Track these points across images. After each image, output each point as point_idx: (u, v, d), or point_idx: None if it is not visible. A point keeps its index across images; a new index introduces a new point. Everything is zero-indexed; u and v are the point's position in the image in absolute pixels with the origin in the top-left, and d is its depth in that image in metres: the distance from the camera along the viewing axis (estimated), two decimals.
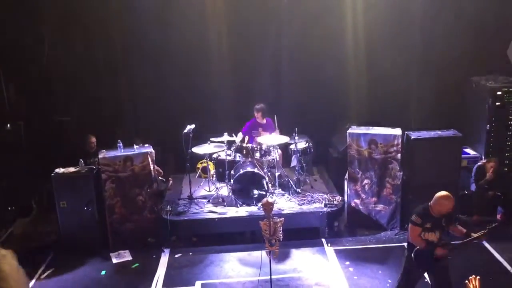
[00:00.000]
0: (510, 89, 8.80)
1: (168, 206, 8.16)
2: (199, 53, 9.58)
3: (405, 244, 5.92)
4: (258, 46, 9.70)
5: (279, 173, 8.63)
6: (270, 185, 8.32)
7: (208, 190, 8.86)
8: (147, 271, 7.30)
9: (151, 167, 7.99)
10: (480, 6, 9.32)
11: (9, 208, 9.00)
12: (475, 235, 5.40)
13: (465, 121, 9.33)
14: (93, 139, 8.93)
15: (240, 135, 8.86)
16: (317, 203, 8.21)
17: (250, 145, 8.56)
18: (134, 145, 8.07)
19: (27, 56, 9.33)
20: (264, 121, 9.02)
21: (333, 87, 9.84)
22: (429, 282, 5.86)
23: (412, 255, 5.54)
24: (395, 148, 7.97)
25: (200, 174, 9.21)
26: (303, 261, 7.45)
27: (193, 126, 8.38)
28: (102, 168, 7.78)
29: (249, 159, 8.42)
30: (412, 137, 8.04)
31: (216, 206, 8.29)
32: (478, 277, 4.59)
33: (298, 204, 8.22)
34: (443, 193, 5.43)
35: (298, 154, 8.64)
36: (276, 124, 8.87)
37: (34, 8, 9.21)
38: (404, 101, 9.85)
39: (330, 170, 9.63)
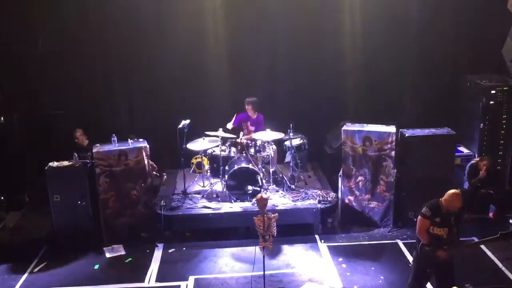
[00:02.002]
0: (504, 88, 8.83)
1: (162, 201, 8.16)
2: (194, 49, 9.55)
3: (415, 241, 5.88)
4: (254, 42, 9.68)
5: (273, 169, 8.64)
6: (264, 181, 8.34)
7: (202, 185, 8.86)
8: (141, 266, 7.30)
9: (146, 162, 7.98)
10: (476, 5, 9.35)
11: (2, 201, 8.95)
12: (487, 239, 5.47)
13: (459, 120, 9.37)
14: (79, 133, 8.78)
15: (230, 124, 8.82)
16: (311, 200, 8.24)
17: (244, 141, 8.56)
18: (129, 139, 8.05)
19: (22, 49, 9.26)
20: (255, 116, 9.00)
21: (329, 84, 9.85)
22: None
23: (418, 250, 5.60)
24: (389, 145, 8.00)
25: (194, 170, 9.20)
26: (297, 257, 7.47)
27: (188, 121, 8.38)
28: (96, 162, 7.76)
29: (244, 155, 8.42)
30: (407, 135, 8.08)
31: (210, 202, 8.29)
32: None
33: (292, 200, 8.23)
34: (454, 190, 5.52)
35: (293, 151, 8.66)
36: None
37: (28, 2, 9.13)
38: (399, 98, 9.88)
39: (324, 166, 9.65)
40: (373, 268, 7.11)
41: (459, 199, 5.45)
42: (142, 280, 6.94)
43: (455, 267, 5.67)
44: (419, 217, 5.57)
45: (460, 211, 5.53)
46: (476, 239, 7.70)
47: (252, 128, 8.96)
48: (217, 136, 8.39)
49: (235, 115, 8.86)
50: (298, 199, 8.26)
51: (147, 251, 7.70)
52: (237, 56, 9.64)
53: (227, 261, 7.38)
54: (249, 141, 8.58)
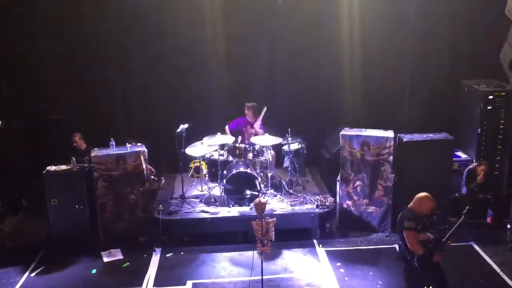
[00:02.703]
0: (502, 93, 8.86)
1: (160, 206, 8.14)
2: (193, 52, 9.55)
3: (397, 250, 5.83)
4: (252, 46, 9.70)
5: (271, 174, 8.64)
6: (262, 185, 8.33)
7: (200, 189, 8.86)
8: (138, 270, 7.28)
9: (144, 166, 7.97)
10: (473, 10, 9.39)
11: None
12: (457, 223, 5.43)
13: (457, 125, 9.40)
14: (77, 137, 8.73)
15: (228, 134, 8.84)
16: (309, 204, 8.24)
17: (243, 145, 8.57)
18: (127, 143, 8.05)
19: (21, 53, 9.26)
20: (254, 120, 9.05)
21: (327, 89, 9.87)
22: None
23: (416, 265, 5.52)
24: (387, 150, 8.01)
25: (192, 174, 9.19)
26: (295, 261, 7.46)
27: (186, 125, 8.39)
28: (94, 166, 7.75)
29: (242, 159, 8.42)
30: (404, 140, 8.10)
31: (208, 206, 8.29)
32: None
33: (290, 205, 8.24)
34: (424, 194, 5.53)
35: (291, 155, 8.66)
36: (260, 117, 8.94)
37: (27, 5, 9.14)
38: (396, 103, 9.90)
39: (322, 171, 9.66)
40: (371, 273, 7.10)
41: (431, 200, 5.47)
42: (140, 285, 6.91)
43: (450, 274, 5.67)
44: (406, 232, 5.46)
45: (431, 211, 5.53)
46: (474, 244, 7.74)
47: (252, 131, 8.99)
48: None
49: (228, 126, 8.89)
50: (296, 204, 8.26)
51: (145, 255, 7.68)
52: (236, 61, 9.65)
53: (225, 266, 7.37)
54: (247, 146, 8.58)
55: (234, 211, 8.09)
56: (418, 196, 5.53)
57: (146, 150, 8.03)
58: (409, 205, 5.59)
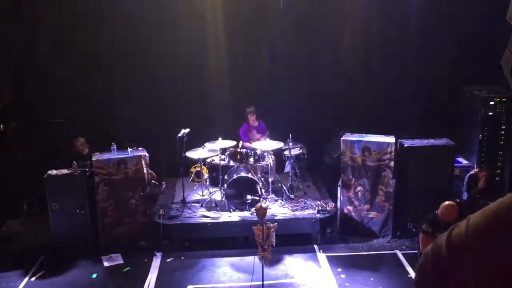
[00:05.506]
0: (503, 99, 8.87)
1: (161, 210, 8.14)
2: (194, 57, 9.59)
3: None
4: (254, 51, 9.73)
5: (272, 179, 8.63)
6: (263, 190, 8.33)
7: (201, 194, 8.85)
8: (139, 275, 7.26)
9: (145, 171, 7.97)
10: (475, 16, 9.42)
11: None
12: None
13: (458, 130, 9.40)
14: (80, 141, 8.63)
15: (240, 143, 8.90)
16: (310, 209, 8.22)
17: (244, 150, 8.57)
18: (128, 148, 8.05)
19: (21, 57, 9.29)
20: (256, 123, 9.08)
21: (328, 94, 9.88)
22: None
23: None
24: (388, 155, 8.01)
25: (193, 178, 9.19)
26: (295, 267, 7.44)
27: (187, 130, 8.39)
28: (95, 170, 7.75)
29: (243, 164, 8.42)
30: (406, 145, 8.09)
31: (209, 211, 8.28)
32: None
33: (291, 210, 8.22)
34: (449, 202, 5.50)
35: (292, 160, 8.66)
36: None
37: (28, 9, 9.18)
38: (398, 109, 9.91)
39: (323, 176, 9.65)
40: (372, 279, 7.08)
41: (455, 210, 5.43)
42: None
43: None
44: (421, 234, 5.47)
45: (457, 221, 5.51)
46: None
47: (258, 136, 9.01)
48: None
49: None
50: (297, 209, 8.25)
51: (145, 260, 7.67)
52: (237, 66, 9.67)
53: (226, 271, 7.36)
54: (249, 150, 8.59)
55: (235, 216, 8.09)
56: (442, 204, 5.51)
57: (147, 154, 8.03)
58: (437, 211, 5.56)
